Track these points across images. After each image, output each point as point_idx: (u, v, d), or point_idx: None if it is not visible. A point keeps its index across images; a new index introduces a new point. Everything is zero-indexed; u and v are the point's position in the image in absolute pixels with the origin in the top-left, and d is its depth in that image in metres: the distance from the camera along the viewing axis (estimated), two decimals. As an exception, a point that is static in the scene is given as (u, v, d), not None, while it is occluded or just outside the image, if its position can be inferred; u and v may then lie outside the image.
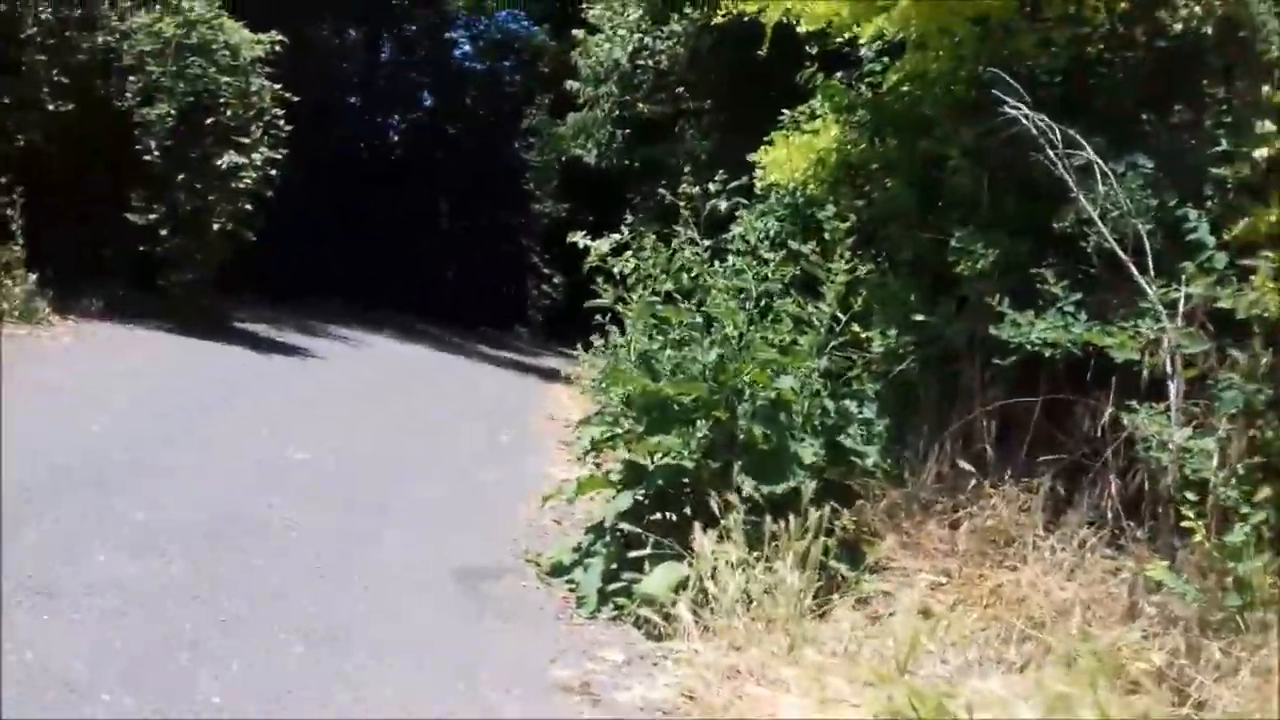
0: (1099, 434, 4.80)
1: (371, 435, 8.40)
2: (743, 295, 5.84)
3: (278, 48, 12.34)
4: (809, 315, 5.68)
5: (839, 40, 6.73)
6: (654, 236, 6.09)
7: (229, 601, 4.18)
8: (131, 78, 11.40)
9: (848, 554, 5.02)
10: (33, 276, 9.74)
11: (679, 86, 14.33)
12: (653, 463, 5.38)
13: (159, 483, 5.62)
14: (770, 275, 5.93)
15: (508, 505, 6.79)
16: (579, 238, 6.03)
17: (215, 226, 11.63)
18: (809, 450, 5.18)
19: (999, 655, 4.19)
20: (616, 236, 6.09)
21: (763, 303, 6.18)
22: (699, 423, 5.30)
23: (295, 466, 6.72)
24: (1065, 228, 5.07)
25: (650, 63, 14.20)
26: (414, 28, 27.84)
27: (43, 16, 10.63)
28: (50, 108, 10.65)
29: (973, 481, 5.15)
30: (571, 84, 16.18)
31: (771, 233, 7.84)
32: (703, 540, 4.60)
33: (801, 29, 6.54)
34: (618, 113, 15.11)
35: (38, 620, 3.67)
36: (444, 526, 6.09)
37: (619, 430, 5.71)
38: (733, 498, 4.78)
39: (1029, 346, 4.81)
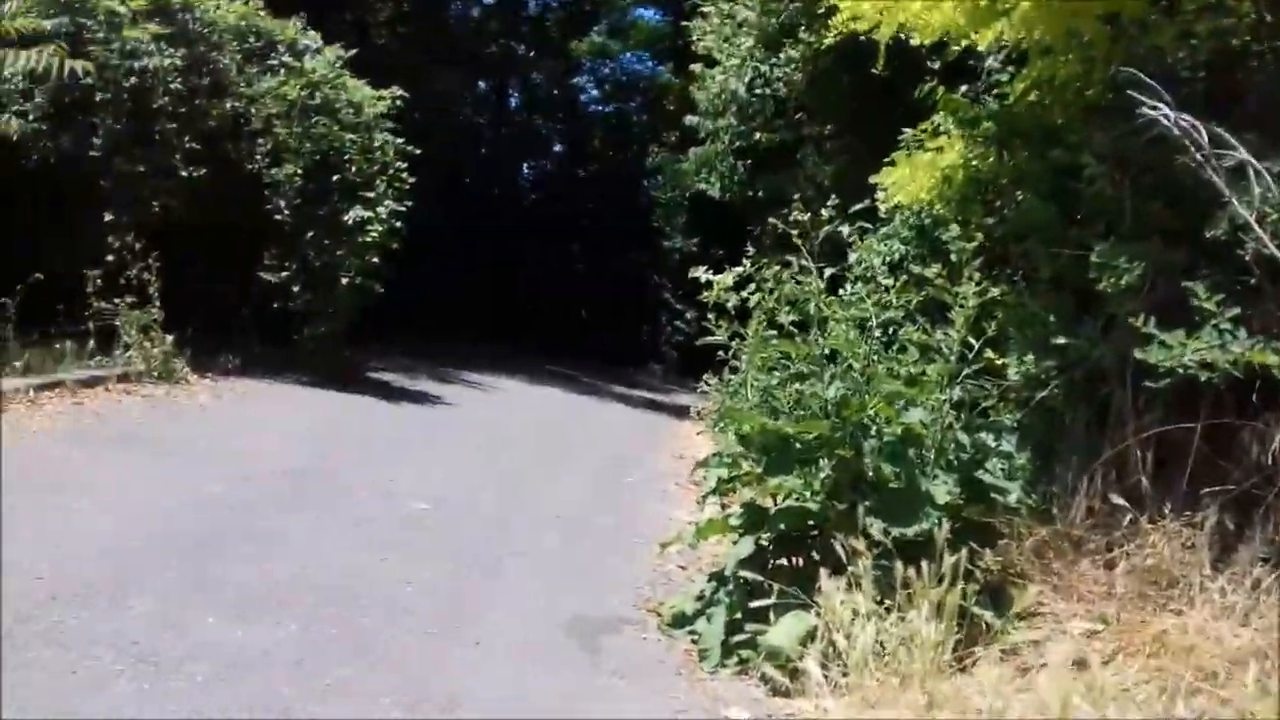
0: (1270, 461, 4.31)
1: (494, 481, 8.32)
2: (865, 325, 5.53)
3: (399, 102, 12.62)
4: (937, 343, 5.33)
5: (957, 49, 6.39)
6: (777, 267, 5.86)
7: (333, 666, 4.04)
8: (260, 140, 11.82)
9: (992, 600, 4.61)
10: (170, 337, 10.06)
11: (798, 112, 14.05)
12: (774, 505, 5.09)
13: (276, 543, 5.58)
14: (894, 302, 5.61)
15: (630, 551, 6.58)
16: (701, 273, 5.87)
17: (344, 280, 11.90)
18: (942, 488, 4.81)
19: (1166, 712, 3.75)
20: (739, 270, 5.90)
21: (889, 331, 5.86)
22: (822, 461, 5.00)
23: (414, 518, 6.64)
24: (1218, 235, 4.61)
25: (767, 91, 13.98)
26: (540, 77, 28.51)
27: (173, 87, 11.05)
28: (183, 173, 11.07)
29: (1129, 517, 4.69)
30: (690, 118, 16.12)
31: (896, 257, 7.49)
32: (830, 588, 4.28)
33: (916, 42, 6.22)
34: (738, 144, 14.94)
35: (137, 689, 3.60)
36: (563, 576, 5.91)
37: (740, 471, 5.44)
38: (860, 542, 4.44)
39: (1180, 370, 4.36)
